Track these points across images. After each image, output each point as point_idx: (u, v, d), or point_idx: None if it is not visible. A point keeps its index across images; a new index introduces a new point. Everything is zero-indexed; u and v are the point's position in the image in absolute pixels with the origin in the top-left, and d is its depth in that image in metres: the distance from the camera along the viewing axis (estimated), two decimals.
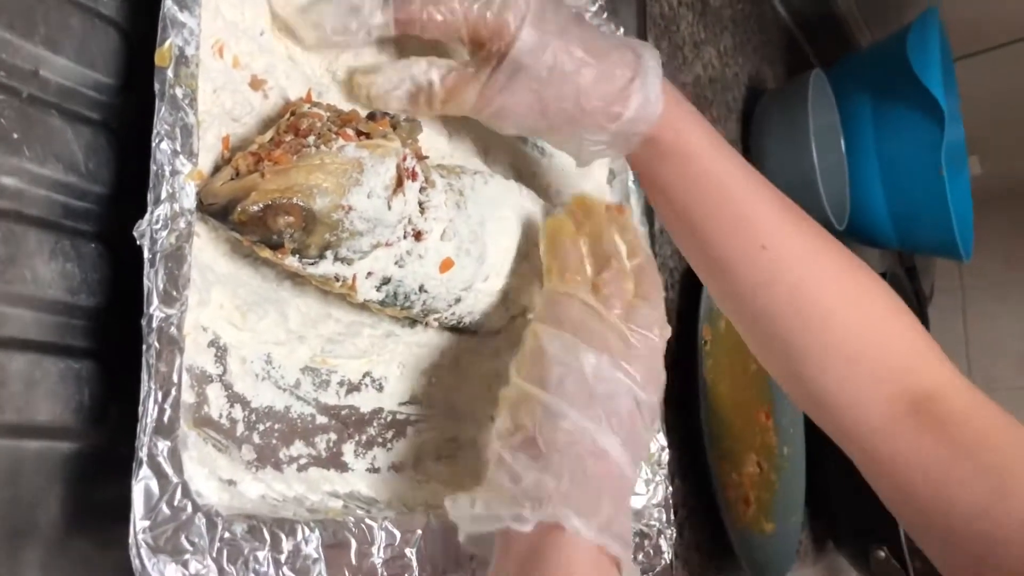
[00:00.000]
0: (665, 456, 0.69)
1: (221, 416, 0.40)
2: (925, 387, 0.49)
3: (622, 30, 0.78)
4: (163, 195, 0.35)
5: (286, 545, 0.38)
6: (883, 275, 1.16)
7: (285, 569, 0.37)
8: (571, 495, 0.40)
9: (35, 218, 0.35)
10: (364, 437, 0.47)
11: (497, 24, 0.45)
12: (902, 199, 1.14)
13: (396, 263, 0.45)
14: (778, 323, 0.50)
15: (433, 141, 0.53)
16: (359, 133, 0.44)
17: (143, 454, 0.33)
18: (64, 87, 0.36)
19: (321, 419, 0.45)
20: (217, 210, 0.39)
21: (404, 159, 0.44)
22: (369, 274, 0.44)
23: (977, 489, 0.44)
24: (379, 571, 0.42)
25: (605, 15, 0.76)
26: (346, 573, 0.40)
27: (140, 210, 0.36)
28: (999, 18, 1.37)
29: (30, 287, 0.34)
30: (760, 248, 0.50)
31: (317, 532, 0.39)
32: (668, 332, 0.46)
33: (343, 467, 0.46)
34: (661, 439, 0.70)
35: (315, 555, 0.39)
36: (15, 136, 0.34)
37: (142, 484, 0.33)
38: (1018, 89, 1.54)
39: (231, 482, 0.39)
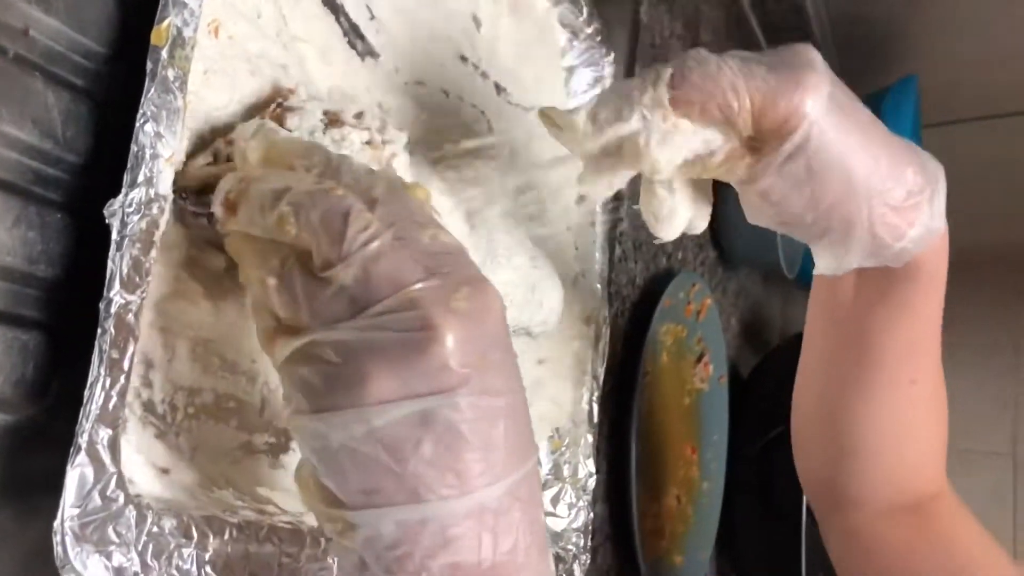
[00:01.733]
0: (592, 482, 0.70)
1: (163, 402, 0.39)
2: (930, 488, 0.55)
3: (612, 55, 0.78)
4: (140, 178, 0.34)
5: (212, 543, 0.37)
6: None
7: (208, 568, 0.37)
8: None
9: (4, 181, 0.34)
10: None
11: (786, 109, 0.41)
12: None
13: None
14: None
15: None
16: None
17: (83, 440, 0.32)
18: (52, 50, 0.35)
19: (266, 414, 0.45)
20: (190, 194, 0.39)
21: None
22: None
23: None
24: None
25: (599, 39, 0.77)
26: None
27: (112, 185, 0.35)
28: (973, 93, 1.41)
29: None
30: (910, 382, 0.53)
31: (245, 533, 0.39)
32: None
33: (280, 465, 0.45)
34: (590, 465, 0.71)
35: (240, 556, 0.39)
36: None
37: (77, 471, 0.32)
38: (981, 162, 1.59)
39: (165, 470, 0.39)
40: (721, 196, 1.06)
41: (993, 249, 1.89)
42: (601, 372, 0.72)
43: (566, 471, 0.70)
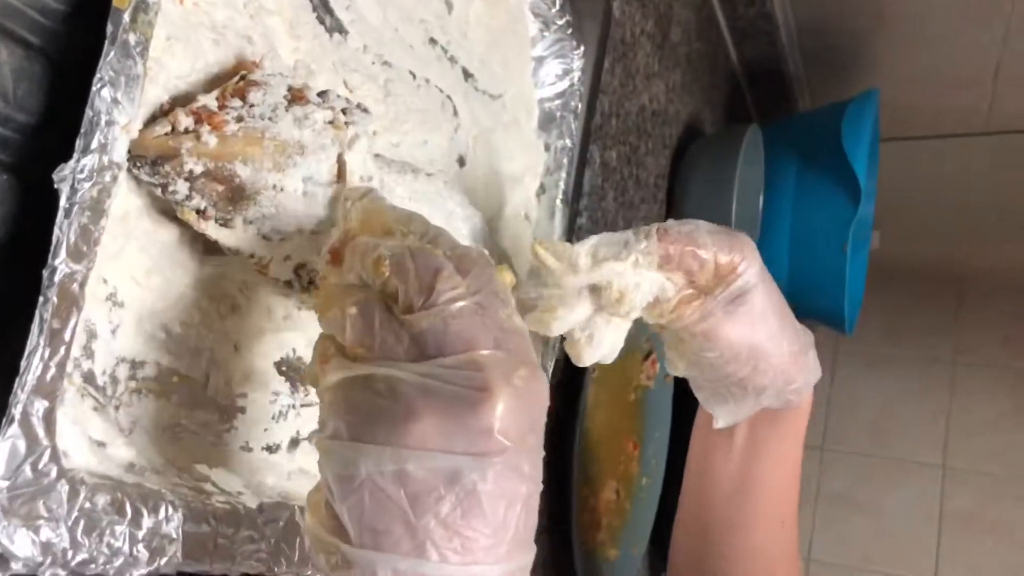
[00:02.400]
0: None
1: (104, 373, 0.38)
2: None
3: (582, 48, 0.78)
4: (94, 145, 0.33)
5: (146, 522, 0.37)
6: None
7: (140, 546, 0.36)
8: None
9: None
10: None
11: (735, 265, 0.50)
12: (804, 265, 1.18)
13: (319, 253, 0.44)
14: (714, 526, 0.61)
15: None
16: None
17: (16, 412, 0.31)
18: (9, 4, 0.34)
19: (209, 389, 0.44)
20: (144, 163, 0.38)
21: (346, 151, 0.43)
22: (287, 257, 0.43)
23: None
24: (236, 557, 0.41)
25: (570, 31, 0.76)
26: (203, 556, 0.39)
27: (63, 149, 0.34)
28: (931, 112, 1.43)
29: None
30: (780, 523, 0.60)
31: (180, 512, 0.38)
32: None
33: (221, 443, 0.44)
34: None
35: (174, 535, 0.38)
36: None
37: (8, 443, 0.31)
38: (932, 179, 1.62)
39: (102, 444, 0.38)
40: (689, 192, 1.07)
41: (936, 264, 1.93)
42: (551, 365, 0.72)
43: None
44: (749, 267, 0.50)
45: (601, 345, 0.53)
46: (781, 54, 1.31)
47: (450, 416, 0.32)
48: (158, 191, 0.38)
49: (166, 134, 0.38)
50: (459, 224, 0.57)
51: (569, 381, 0.81)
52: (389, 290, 0.35)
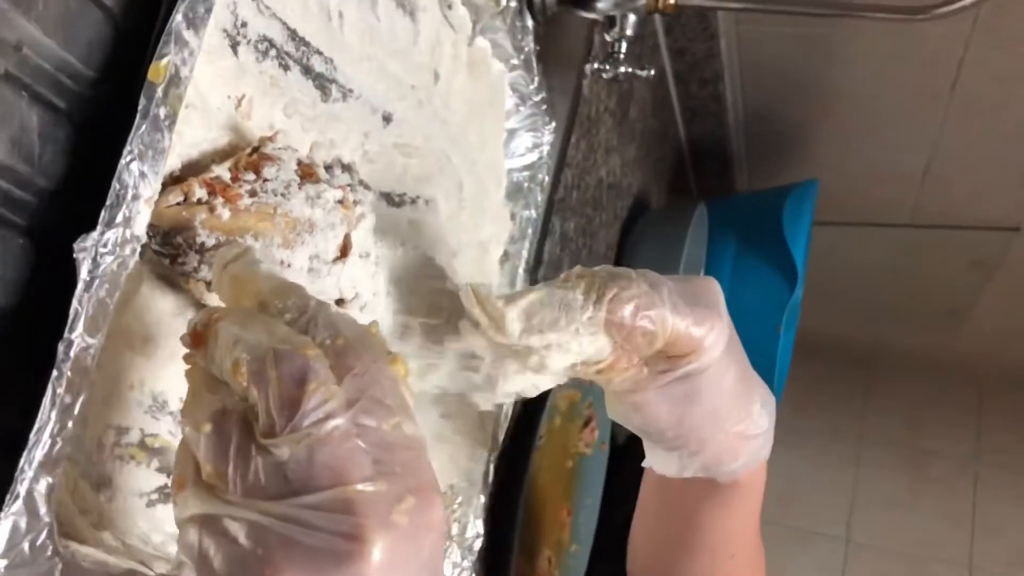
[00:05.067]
0: (479, 543, 0.70)
1: (93, 439, 0.38)
2: None
3: (553, 124, 0.80)
4: (119, 219, 0.33)
5: None
6: None
7: None
8: None
9: None
10: None
11: (693, 343, 0.44)
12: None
13: None
14: None
15: None
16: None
17: (21, 488, 0.30)
18: (41, 69, 0.34)
19: None
20: (156, 233, 0.38)
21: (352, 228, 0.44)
22: None
23: None
24: None
25: (544, 107, 0.78)
26: None
27: (79, 216, 0.33)
28: (861, 200, 1.50)
29: None
30: (730, 557, 0.55)
31: None
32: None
33: None
34: (479, 526, 0.71)
35: None
36: None
37: (10, 520, 0.30)
38: (854, 263, 1.69)
39: (85, 512, 0.37)
40: (635, 264, 1.09)
41: (849, 343, 2.01)
42: (502, 433, 0.73)
43: (455, 529, 0.70)
44: (712, 346, 0.44)
45: (505, 393, 0.48)
46: (727, 134, 1.36)
47: (315, 572, 0.27)
48: (166, 261, 0.38)
49: (179, 204, 0.38)
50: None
51: (515, 449, 0.82)
52: (250, 402, 0.29)
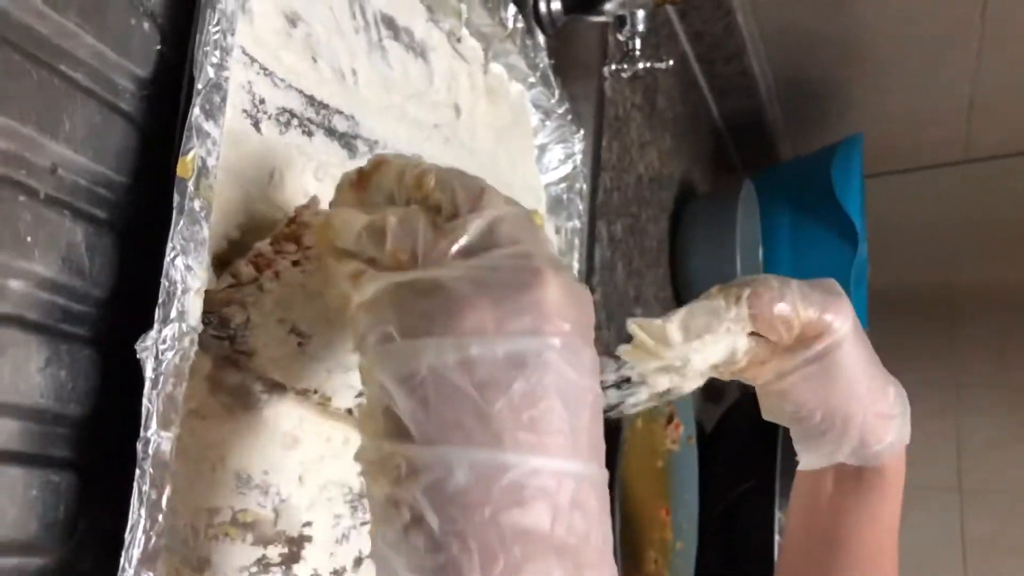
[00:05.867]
0: None
1: (186, 526, 0.39)
2: None
3: (581, 132, 0.80)
4: (172, 314, 0.34)
5: None
6: None
7: None
8: None
9: (35, 323, 0.33)
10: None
11: (824, 325, 0.49)
12: None
13: None
14: None
15: None
16: None
17: None
18: (78, 185, 0.35)
19: (279, 524, 0.45)
20: (212, 319, 0.39)
21: None
22: (350, 386, 0.44)
23: None
24: None
25: (569, 117, 0.78)
26: None
27: (137, 316, 0.35)
28: (908, 145, 1.47)
29: (21, 395, 0.33)
30: None
31: None
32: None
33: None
34: None
35: None
36: (28, 239, 0.33)
37: None
38: (915, 209, 1.65)
39: None
40: (691, 252, 1.08)
41: (927, 289, 1.96)
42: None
43: None
44: (840, 327, 0.49)
45: (651, 396, 0.54)
46: (760, 105, 1.34)
47: (505, 299, 0.30)
48: (226, 343, 0.39)
49: (230, 287, 0.39)
50: None
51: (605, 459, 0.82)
52: (431, 203, 0.33)
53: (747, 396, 1.23)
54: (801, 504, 0.61)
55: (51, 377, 0.34)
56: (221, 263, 0.41)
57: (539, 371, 0.29)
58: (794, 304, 0.48)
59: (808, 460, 0.56)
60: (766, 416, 0.55)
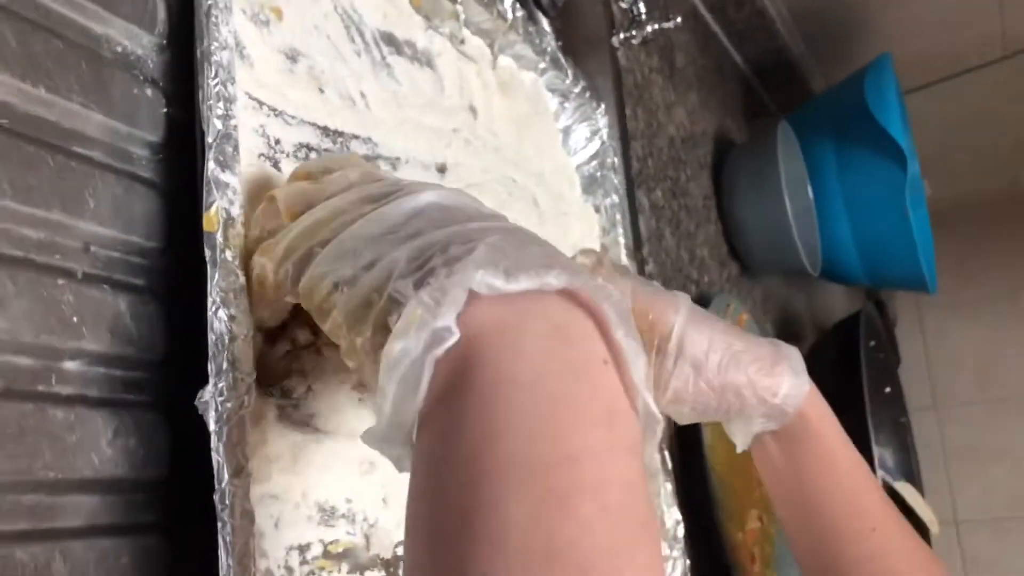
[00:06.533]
0: (680, 530, 0.70)
1: (280, 567, 0.40)
2: None
3: (603, 106, 0.79)
4: (224, 365, 0.35)
5: None
6: (857, 313, 1.19)
7: None
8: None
9: (97, 399, 0.34)
10: None
11: (661, 326, 0.53)
12: (870, 239, 1.17)
13: None
14: None
15: None
16: None
17: None
18: (112, 258, 0.36)
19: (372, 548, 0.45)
20: (275, 388, 0.40)
21: None
22: None
23: None
24: None
25: (588, 95, 0.78)
26: None
27: (193, 372, 0.36)
28: (943, 53, 1.42)
29: (97, 471, 0.34)
30: (871, 530, 0.57)
31: None
32: None
33: None
34: (675, 513, 0.71)
35: None
36: (75, 320, 0.34)
37: None
38: (964, 116, 1.60)
39: None
40: (740, 203, 1.06)
41: (983, 200, 1.89)
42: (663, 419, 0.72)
43: None
44: (673, 318, 0.53)
45: None
46: (783, 44, 1.31)
47: None
48: (291, 408, 0.40)
49: (288, 353, 0.40)
50: None
51: (682, 427, 0.81)
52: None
53: (824, 334, 1.21)
54: (769, 483, 0.63)
55: (122, 447, 0.35)
56: (281, 327, 0.41)
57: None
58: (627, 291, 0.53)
59: (741, 441, 0.58)
60: (683, 423, 0.58)
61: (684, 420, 0.56)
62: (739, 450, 0.59)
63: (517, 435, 0.27)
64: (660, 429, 0.32)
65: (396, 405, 0.30)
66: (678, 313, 0.53)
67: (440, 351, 0.29)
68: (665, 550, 0.69)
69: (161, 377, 0.37)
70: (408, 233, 0.33)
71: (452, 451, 0.28)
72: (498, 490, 0.26)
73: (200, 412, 0.35)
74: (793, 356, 0.56)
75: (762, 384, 0.54)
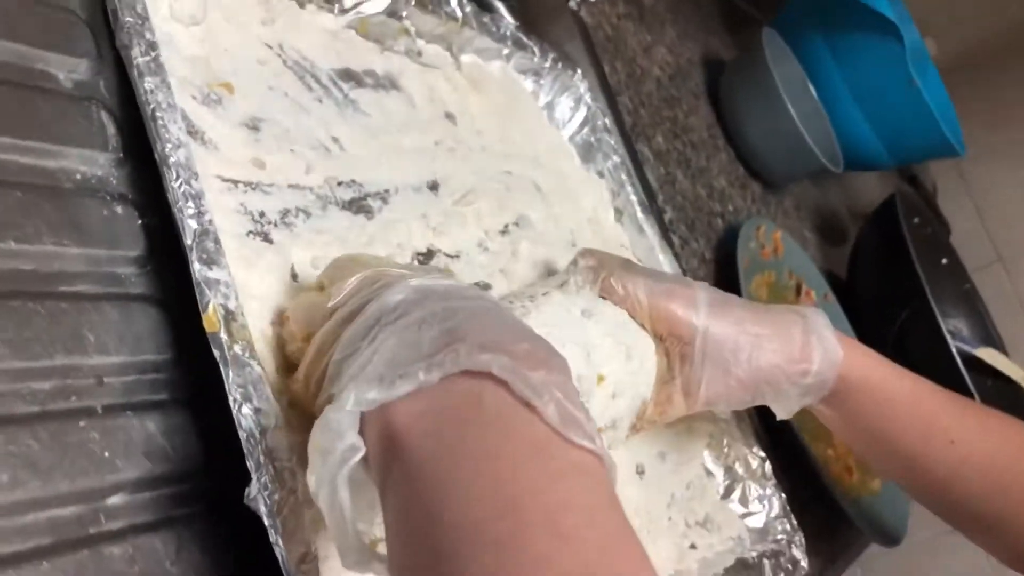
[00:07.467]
0: (768, 467, 0.69)
1: None
2: None
3: (579, 71, 0.78)
4: (261, 459, 0.35)
5: None
6: (891, 197, 1.16)
7: None
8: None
9: (148, 524, 0.35)
10: None
11: (683, 325, 0.52)
12: (886, 120, 1.14)
13: None
14: (981, 506, 0.56)
15: None
16: None
17: None
18: (128, 383, 0.36)
19: None
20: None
21: None
22: None
23: None
24: None
25: (560, 64, 0.76)
26: None
27: (237, 469, 0.36)
28: None
29: None
30: (949, 443, 0.56)
31: None
32: None
33: None
34: (758, 451, 0.70)
35: None
36: (106, 455, 0.34)
37: None
38: None
39: None
40: (745, 122, 1.04)
41: (990, 43, 1.83)
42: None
43: (739, 468, 0.69)
44: (696, 317, 0.52)
45: None
46: None
47: None
48: None
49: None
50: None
51: None
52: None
53: (866, 223, 1.18)
54: (836, 435, 0.64)
55: (187, 561, 0.35)
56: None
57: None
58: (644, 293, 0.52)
59: (784, 415, 0.57)
60: (724, 415, 0.58)
61: (724, 413, 0.56)
62: (779, 417, 0.58)
63: (452, 505, 0.28)
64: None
65: (337, 526, 0.32)
66: (698, 312, 0.52)
67: (348, 467, 0.32)
68: (758, 490, 0.68)
69: (208, 481, 0.37)
70: (346, 355, 0.36)
71: (405, 530, 0.30)
72: (455, 563, 0.27)
73: (252, 509, 0.35)
74: (820, 323, 0.55)
75: (793, 370, 0.53)
